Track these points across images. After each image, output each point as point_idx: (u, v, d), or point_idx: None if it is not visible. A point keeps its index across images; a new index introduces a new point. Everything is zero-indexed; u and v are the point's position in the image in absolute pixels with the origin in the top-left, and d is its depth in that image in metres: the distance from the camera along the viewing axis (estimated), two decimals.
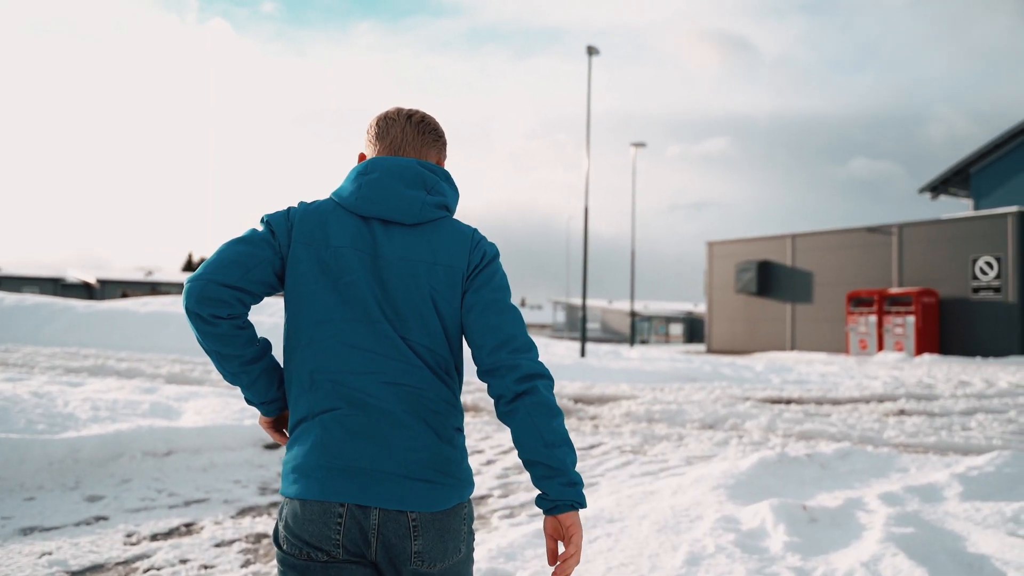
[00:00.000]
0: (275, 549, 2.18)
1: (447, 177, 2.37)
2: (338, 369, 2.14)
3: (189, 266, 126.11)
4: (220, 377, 14.21)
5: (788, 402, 15.10)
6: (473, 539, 2.27)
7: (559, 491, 2.09)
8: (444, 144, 2.45)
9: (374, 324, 2.15)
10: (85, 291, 79.85)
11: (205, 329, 2.13)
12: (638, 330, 67.22)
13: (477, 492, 7.07)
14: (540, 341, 27.20)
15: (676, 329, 73.41)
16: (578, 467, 8.15)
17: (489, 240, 2.34)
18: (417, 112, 2.40)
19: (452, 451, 2.18)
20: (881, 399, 15.94)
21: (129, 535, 5.76)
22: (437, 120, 2.45)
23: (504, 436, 9.91)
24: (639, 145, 41.02)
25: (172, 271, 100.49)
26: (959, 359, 31.01)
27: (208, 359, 16.92)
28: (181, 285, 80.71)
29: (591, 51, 23.61)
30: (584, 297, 23.92)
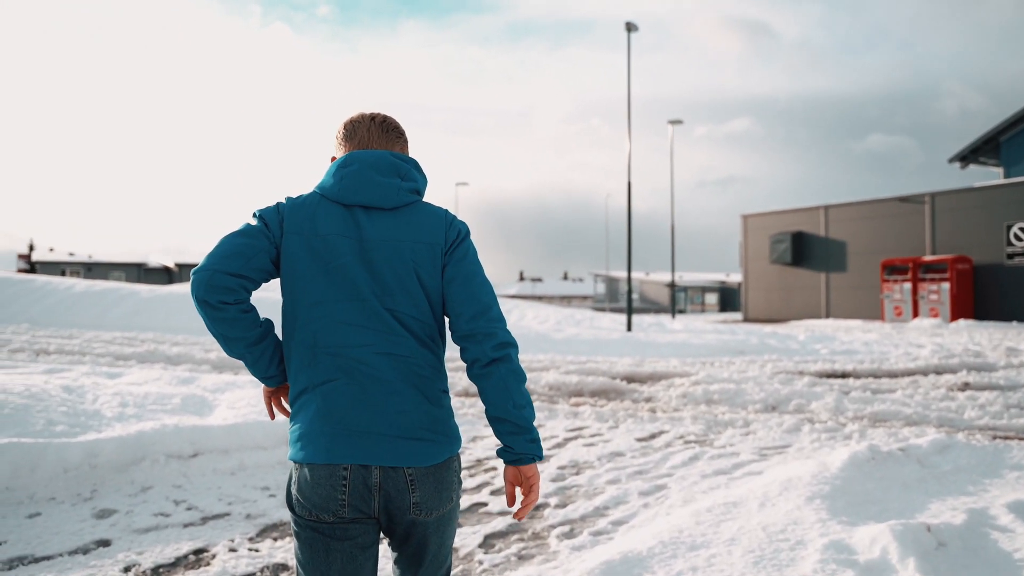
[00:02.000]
0: (289, 512, 2.25)
1: (416, 165, 2.43)
2: (334, 344, 2.19)
3: None
4: None
5: (843, 376, 13.59)
6: (460, 487, 2.36)
7: (524, 446, 2.25)
8: (405, 140, 2.51)
9: (363, 302, 2.21)
10: (165, 275, 79.79)
11: (214, 315, 2.18)
12: (676, 300, 65.66)
13: None
14: (585, 314, 25.80)
15: (711, 298, 71.68)
16: (641, 461, 6.77)
17: (460, 220, 2.40)
18: (379, 114, 2.47)
19: (440, 411, 2.27)
20: (937, 370, 14.37)
21: (127, 569, 4.51)
22: (397, 120, 2.51)
23: (558, 424, 8.57)
24: (675, 123, 39.26)
25: None
26: (995, 324, 29.58)
27: None
28: None
29: (630, 27, 22.00)
30: (629, 271, 22.42)
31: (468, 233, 2.40)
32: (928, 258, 33.25)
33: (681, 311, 47.60)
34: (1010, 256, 32.01)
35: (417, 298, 2.25)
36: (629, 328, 20.69)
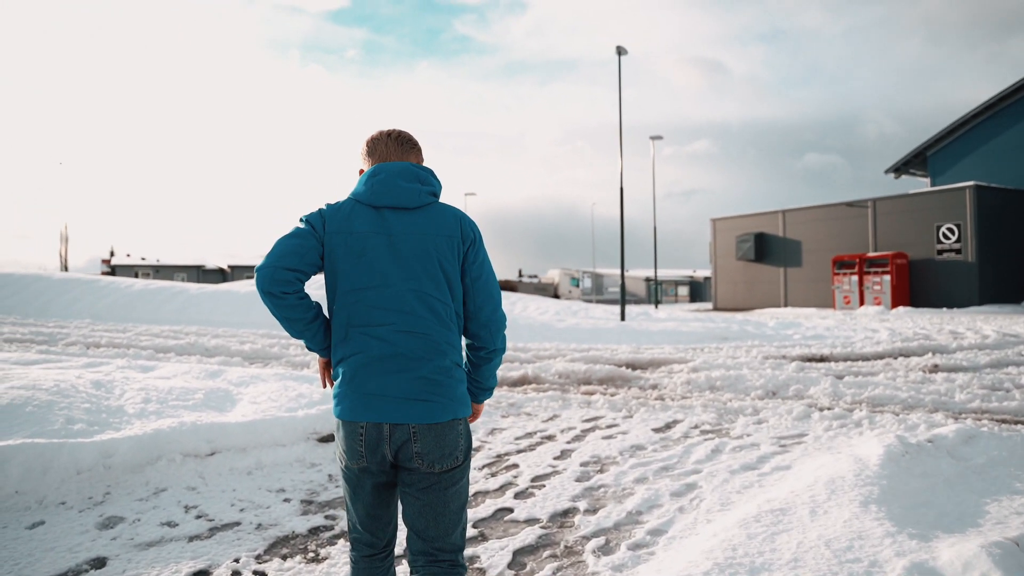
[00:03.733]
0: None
1: (432, 173, 2.43)
2: (364, 323, 2.24)
3: None
4: (295, 353, 11.72)
5: (822, 359, 12.36)
6: (471, 452, 2.37)
7: (483, 395, 2.52)
8: (419, 149, 2.51)
9: (392, 287, 2.24)
10: (220, 275, 78.39)
11: (278, 303, 2.25)
12: (651, 292, 64.35)
13: (557, 506, 4.46)
14: (579, 305, 24.53)
15: (683, 291, 70.30)
16: (664, 455, 5.53)
17: (472, 220, 2.41)
18: (395, 130, 2.47)
19: (448, 379, 2.26)
20: (903, 353, 13.16)
21: None
22: (411, 133, 2.50)
23: (572, 414, 7.33)
24: (656, 138, 37.95)
25: None
26: (928, 310, 28.97)
27: (283, 333, 13.78)
28: None
29: (620, 51, 20.66)
30: (623, 268, 21.11)
31: (480, 235, 2.42)
32: (872, 254, 32.22)
33: (658, 302, 46.27)
34: (939, 252, 31.29)
35: (439, 281, 2.29)
36: (623, 318, 19.39)
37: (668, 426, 6.72)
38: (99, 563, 3.68)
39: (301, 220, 2.31)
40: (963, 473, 4.80)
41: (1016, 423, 6.81)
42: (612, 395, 8.37)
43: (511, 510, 4.43)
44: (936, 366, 11.19)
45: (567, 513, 4.38)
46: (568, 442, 6.12)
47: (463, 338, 2.43)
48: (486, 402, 2.76)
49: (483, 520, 4.27)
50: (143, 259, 78.54)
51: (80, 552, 3.82)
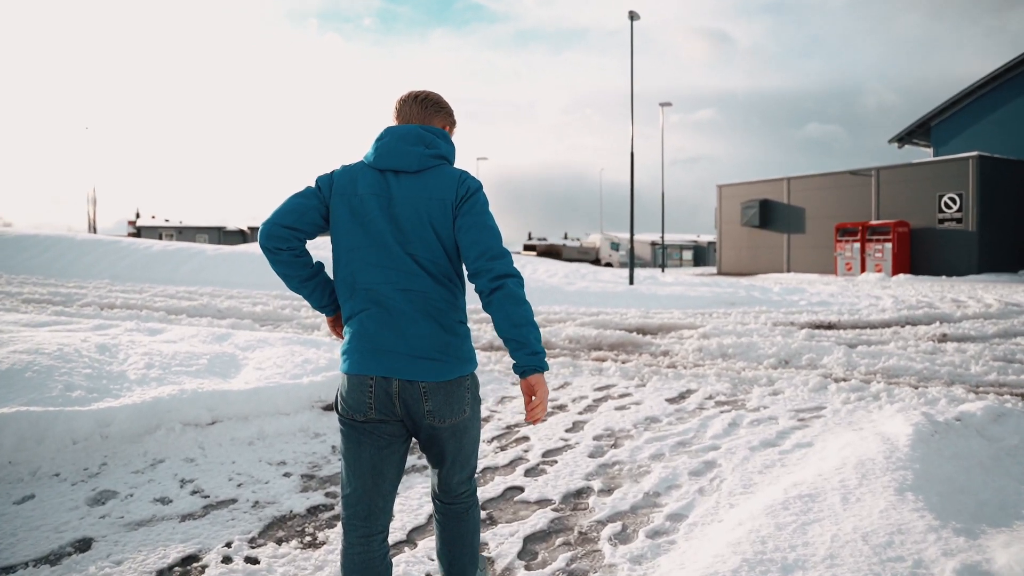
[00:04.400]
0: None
1: (443, 135, 2.35)
2: (366, 281, 2.21)
3: None
4: (306, 316, 11.32)
5: (830, 327, 11.89)
6: (479, 404, 2.36)
7: (525, 359, 2.16)
8: (447, 112, 2.43)
9: (388, 248, 2.19)
10: (240, 236, 78.06)
11: (272, 258, 2.27)
12: (657, 256, 63.73)
13: (570, 485, 4.05)
14: (588, 268, 24.02)
15: (687, 255, 69.57)
16: (680, 429, 5.10)
17: (474, 178, 2.30)
18: (422, 92, 2.40)
19: (453, 338, 2.23)
20: (909, 321, 12.69)
21: None
22: (439, 95, 2.43)
23: (584, 382, 6.91)
24: (666, 104, 37.07)
25: None
26: (928, 278, 28.41)
27: (295, 296, 13.43)
28: None
29: (632, 16, 19.86)
30: (632, 232, 20.55)
31: (478, 189, 2.30)
32: (874, 222, 31.50)
33: (663, 266, 45.85)
34: (941, 221, 30.54)
35: (431, 244, 2.22)
36: (631, 282, 18.90)
37: (682, 396, 6.29)
38: (84, 545, 3.32)
39: (315, 180, 2.32)
40: (997, 456, 4.37)
41: None
42: (623, 362, 7.95)
43: (521, 489, 4.03)
44: (945, 335, 10.72)
45: (581, 493, 3.98)
46: (580, 413, 5.71)
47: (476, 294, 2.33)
48: (532, 375, 2.14)
49: (492, 500, 3.88)
50: (167, 221, 78.28)
51: (66, 532, 3.45)
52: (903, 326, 12.14)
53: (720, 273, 38.46)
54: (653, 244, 64.96)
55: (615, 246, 59.21)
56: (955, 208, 29.98)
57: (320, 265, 2.38)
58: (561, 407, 5.90)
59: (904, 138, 38.20)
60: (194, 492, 3.95)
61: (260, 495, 3.93)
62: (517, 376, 2.38)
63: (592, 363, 7.69)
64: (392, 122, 2.41)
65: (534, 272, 20.52)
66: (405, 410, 2.19)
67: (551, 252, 56.87)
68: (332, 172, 2.32)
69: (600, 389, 6.58)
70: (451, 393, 2.22)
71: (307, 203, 2.25)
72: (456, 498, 2.44)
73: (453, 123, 2.47)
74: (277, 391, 5.32)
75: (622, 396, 6.29)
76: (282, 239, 2.23)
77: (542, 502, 3.84)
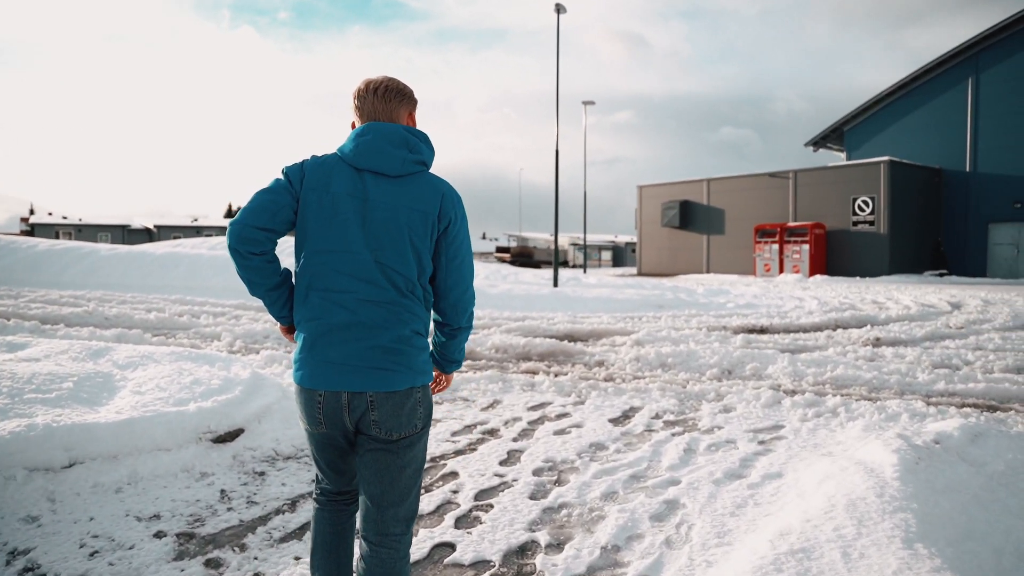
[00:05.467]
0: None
1: (426, 139, 2.22)
2: (325, 287, 2.09)
3: (229, 213, 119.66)
4: (206, 324, 10.30)
5: (762, 331, 11.57)
6: (430, 420, 2.24)
7: (450, 367, 2.39)
8: (412, 101, 2.27)
9: (356, 254, 2.08)
10: (147, 235, 74.60)
11: (243, 263, 2.10)
12: (576, 257, 63.72)
13: (512, 540, 3.34)
14: (509, 269, 23.46)
15: (606, 255, 69.86)
16: (630, 458, 4.45)
17: (457, 195, 2.22)
18: (382, 82, 2.22)
19: (408, 348, 2.12)
20: (838, 324, 12.55)
21: None
22: (396, 79, 2.25)
23: (515, 400, 6.21)
24: (589, 103, 36.66)
25: (216, 217, 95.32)
26: (843, 278, 29.11)
27: (206, 299, 12.19)
28: (222, 228, 76.24)
29: (559, 9, 19.28)
30: (556, 232, 19.93)
31: (463, 213, 2.23)
32: (792, 224, 32.02)
33: (581, 266, 45.67)
34: (854, 223, 31.30)
35: (405, 255, 2.11)
36: (555, 284, 18.33)
37: (626, 416, 5.67)
38: None
39: (282, 171, 2.17)
40: (988, 486, 3.88)
41: (996, 409, 6.02)
42: (557, 375, 7.30)
43: (452, 547, 3.29)
44: (878, 339, 10.51)
45: (525, 550, 3.27)
46: (515, 439, 5.01)
47: (432, 312, 2.31)
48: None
49: (417, 564, 3.13)
50: (64, 218, 74.13)
51: None
52: (834, 329, 11.95)
53: (640, 274, 38.52)
54: (573, 245, 64.96)
55: (580, 248, 59.20)
56: (868, 211, 30.73)
57: (288, 273, 2.24)
58: (493, 432, 5.19)
59: (819, 142, 39.05)
60: (26, 571, 3.07)
61: (119, 568, 3.08)
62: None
63: (523, 376, 7.00)
64: (355, 116, 2.25)
65: None
66: (353, 421, 2.12)
67: (524, 254, 56.28)
68: (303, 163, 2.18)
69: (534, 408, 5.90)
70: (400, 404, 2.11)
71: (279, 199, 2.11)
72: (387, 538, 2.18)
73: (415, 105, 2.32)
74: (156, 422, 4.43)
75: (560, 417, 5.62)
76: (255, 242, 2.08)
77: (479, 565, 3.12)
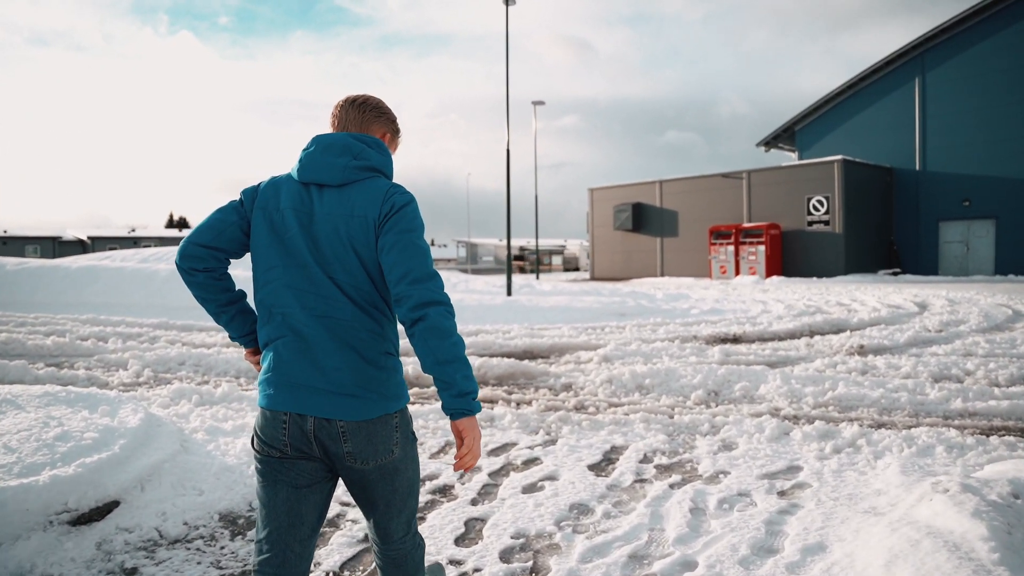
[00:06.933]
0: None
1: (376, 145, 2.09)
2: (282, 305, 1.98)
3: (171, 222, 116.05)
4: (113, 348, 9.02)
5: (736, 340, 10.72)
6: (413, 443, 2.09)
7: (451, 401, 1.93)
8: (389, 118, 2.20)
9: (307, 268, 1.97)
10: (80, 247, 71.60)
11: (187, 279, 2.08)
12: (527, 261, 62.82)
13: None
14: (459, 276, 22.32)
15: (556, 260, 69.11)
16: (625, 527, 3.35)
17: (404, 191, 2.02)
18: (360, 96, 2.18)
19: (377, 372, 1.97)
20: (813, 330, 11.82)
21: None
22: (380, 99, 2.21)
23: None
24: (538, 103, 35.61)
25: (156, 227, 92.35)
26: (800, 279, 28.92)
27: (122, 318, 10.74)
28: (161, 239, 73.64)
29: (507, 1, 18.22)
30: (508, 238, 18.81)
31: (406, 203, 1.99)
32: (747, 225, 31.56)
33: (533, 271, 44.76)
34: (809, 223, 31.07)
35: (352, 268, 1.96)
36: (509, 292, 17.27)
37: (608, 459, 4.65)
38: None
39: (241, 193, 2.12)
40: None
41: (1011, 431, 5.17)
42: (519, 404, 6.26)
43: None
44: (862, 347, 9.73)
45: None
46: (474, 500, 3.93)
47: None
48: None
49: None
50: None
51: None
52: (811, 336, 11.21)
53: (594, 278, 37.75)
54: (522, 250, 64.10)
55: (532, 253, 58.26)
56: (823, 210, 30.49)
57: (242, 293, 2.18)
58: (446, 490, 4.11)
59: (770, 142, 38.81)
60: None
61: None
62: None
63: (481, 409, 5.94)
64: (328, 131, 2.14)
65: None
66: (321, 450, 1.96)
67: (518, 260, 55.04)
68: (259, 184, 2.10)
69: (496, 452, 4.84)
70: (374, 433, 1.96)
71: (227, 219, 2.06)
72: (392, 543, 2.12)
73: (396, 131, 2.24)
74: None
75: (528, 464, 4.57)
76: (197, 258, 2.05)
77: None
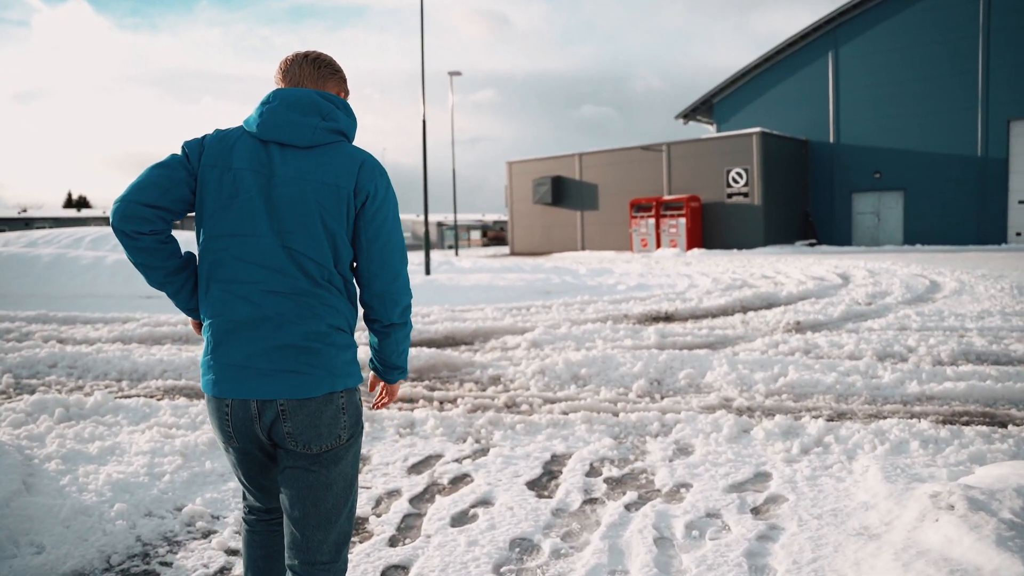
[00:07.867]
0: None
1: (344, 106, 1.96)
2: (226, 278, 1.82)
3: (69, 202, 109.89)
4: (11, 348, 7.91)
5: (668, 318, 10.28)
6: (360, 433, 1.95)
7: (391, 374, 2.02)
8: (342, 77, 2.04)
9: (260, 238, 1.80)
10: None
11: (130, 244, 1.83)
12: (446, 237, 61.79)
13: None
14: None
15: (476, 235, 68.21)
16: (583, 570, 2.73)
17: (380, 165, 1.91)
18: (313, 52, 2.01)
19: (325, 347, 1.83)
20: (744, 305, 11.55)
21: None
22: (333, 59, 2.04)
23: (389, 454, 4.40)
24: (455, 74, 34.51)
25: (53, 207, 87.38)
26: (721, 251, 29.18)
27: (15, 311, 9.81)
28: (56, 220, 69.47)
29: None
30: (426, 214, 17.93)
31: (387, 187, 1.91)
32: (667, 197, 31.46)
33: (452, 247, 43.94)
34: (729, 196, 31.20)
35: (317, 238, 1.82)
36: (428, 271, 16.44)
37: (550, 473, 4.00)
38: None
39: (181, 147, 1.91)
40: None
41: (997, 421, 4.77)
42: (443, 403, 5.55)
43: None
44: (799, 323, 9.42)
45: None
46: (392, 540, 3.21)
47: (359, 306, 1.97)
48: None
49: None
50: None
51: None
52: (744, 312, 10.91)
53: (514, 253, 37.21)
54: (440, 225, 63.02)
55: (450, 229, 57.06)
56: (742, 183, 30.64)
57: (191, 256, 1.96)
58: (358, 525, 3.39)
59: (689, 115, 38.79)
60: None
61: None
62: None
63: (399, 412, 5.19)
64: (278, 86, 1.98)
65: None
66: (266, 433, 1.83)
67: (499, 239, 53.36)
68: (203, 137, 1.91)
69: (417, 468, 4.13)
70: (318, 413, 1.81)
71: (173, 175, 1.84)
72: (314, 568, 1.87)
73: (347, 92, 2.06)
74: None
75: (456, 483, 3.87)
76: (143, 219, 1.80)
77: None
